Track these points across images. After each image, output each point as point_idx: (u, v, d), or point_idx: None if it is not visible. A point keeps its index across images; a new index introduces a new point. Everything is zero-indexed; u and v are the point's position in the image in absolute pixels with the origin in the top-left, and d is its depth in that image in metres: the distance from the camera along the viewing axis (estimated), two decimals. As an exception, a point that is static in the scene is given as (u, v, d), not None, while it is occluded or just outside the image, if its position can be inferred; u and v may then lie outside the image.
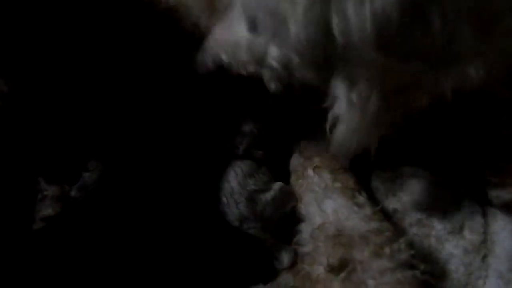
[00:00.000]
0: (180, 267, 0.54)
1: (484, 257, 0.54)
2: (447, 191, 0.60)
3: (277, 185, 0.61)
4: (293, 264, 0.56)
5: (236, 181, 0.60)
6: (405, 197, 0.60)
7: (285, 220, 0.60)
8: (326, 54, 0.43)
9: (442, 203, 0.59)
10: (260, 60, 0.51)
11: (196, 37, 0.63)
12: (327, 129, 0.50)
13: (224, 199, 0.60)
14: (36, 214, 0.62)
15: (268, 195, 0.59)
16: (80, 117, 0.70)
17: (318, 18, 0.41)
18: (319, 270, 0.51)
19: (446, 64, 0.43)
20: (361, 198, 0.57)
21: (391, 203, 0.59)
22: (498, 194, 0.56)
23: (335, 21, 0.40)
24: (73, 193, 0.65)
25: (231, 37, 0.54)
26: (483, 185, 0.58)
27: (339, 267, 0.50)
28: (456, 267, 0.53)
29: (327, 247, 0.52)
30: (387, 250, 0.50)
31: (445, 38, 0.39)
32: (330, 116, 0.48)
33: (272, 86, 0.52)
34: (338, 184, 0.58)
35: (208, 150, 0.65)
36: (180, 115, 0.67)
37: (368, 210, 0.55)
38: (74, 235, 0.60)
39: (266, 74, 0.52)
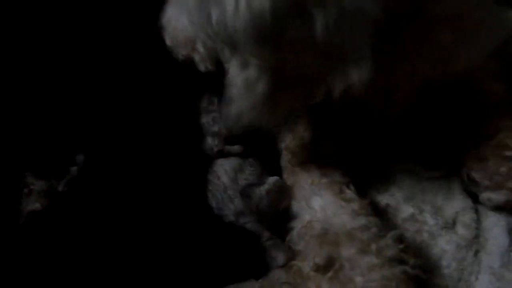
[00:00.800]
0: (171, 263, 0.53)
1: (476, 253, 0.53)
2: (439, 186, 0.60)
3: (272, 179, 0.60)
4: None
5: (227, 177, 0.60)
6: (397, 193, 0.60)
7: (280, 217, 0.59)
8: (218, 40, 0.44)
9: (434, 198, 0.59)
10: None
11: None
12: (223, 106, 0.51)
13: (218, 196, 0.59)
14: (23, 209, 0.60)
15: (263, 189, 0.58)
16: (68, 110, 0.69)
17: (202, 5, 0.42)
18: (310, 267, 0.50)
19: (329, 59, 0.43)
20: (349, 193, 0.56)
21: (384, 198, 0.59)
22: (490, 197, 0.55)
23: (214, 10, 0.41)
24: (60, 187, 0.64)
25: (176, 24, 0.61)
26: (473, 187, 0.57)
27: (326, 266, 0.49)
28: (448, 262, 0.53)
29: (314, 246, 0.51)
30: (373, 246, 0.49)
31: (324, 34, 0.39)
32: (226, 94, 0.49)
33: (202, 67, 0.56)
34: (325, 179, 0.57)
35: (190, 147, 0.65)
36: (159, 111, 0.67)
37: (355, 205, 0.54)
38: (61, 230, 0.58)
39: (196, 57, 0.56)
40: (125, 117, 0.67)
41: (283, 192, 0.59)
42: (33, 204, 0.61)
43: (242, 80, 0.46)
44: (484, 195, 0.55)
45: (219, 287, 0.52)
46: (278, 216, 0.59)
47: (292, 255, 0.54)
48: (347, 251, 0.49)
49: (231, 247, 0.55)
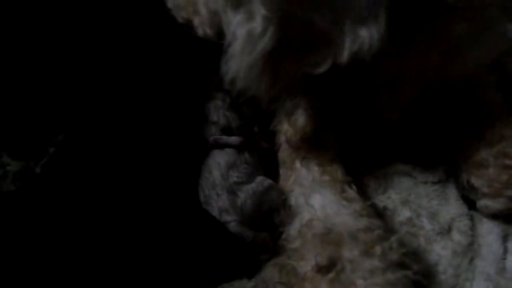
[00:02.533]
0: (160, 257, 0.50)
1: (472, 260, 0.53)
2: (435, 191, 0.60)
3: (259, 179, 0.58)
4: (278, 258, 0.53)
5: (218, 172, 0.58)
6: (394, 195, 0.59)
7: (268, 216, 0.57)
8: None
9: (430, 203, 0.58)
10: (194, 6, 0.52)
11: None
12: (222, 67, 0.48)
13: (206, 191, 0.57)
14: (-4, 190, 0.56)
15: (249, 188, 0.56)
16: (49, 86, 0.64)
17: None
18: (307, 268, 0.49)
19: (339, 17, 0.41)
20: (351, 192, 0.55)
21: (381, 201, 0.58)
22: (487, 204, 0.55)
23: None
24: (37, 169, 0.60)
25: None
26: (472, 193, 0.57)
27: (328, 267, 0.47)
28: (444, 268, 0.52)
29: (315, 245, 0.49)
30: (378, 249, 0.48)
31: None
32: (226, 53, 0.46)
33: (200, 31, 0.54)
34: (326, 177, 0.56)
35: (183, 138, 0.61)
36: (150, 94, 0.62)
37: (357, 205, 0.53)
38: (36, 214, 0.54)
39: (196, 20, 0.55)
40: (114, 95, 0.61)
41: (269, 193, 0.57)
42: (8, 186, 0.56)
43: (246, 32, 0.43)
44: (482, 202, 0.55)
45: (212, 286, 0.50)
46: (266, 215, 0.56)
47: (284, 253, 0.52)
48: (349, 253, 0.47)
49: (223, 245, 0.52)
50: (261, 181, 0.58)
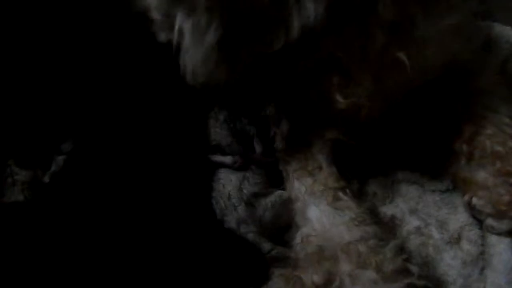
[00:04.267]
0: (167, 267, 0.50)
1: (482, 270, 0.52)
2: (443, 200, 0.59)
3: (279, 192, 0.58)
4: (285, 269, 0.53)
5: (232, 184, 0.57)
6: (402, 204, 0.58)
7: (283, 230, 0.57)
8: None
9: (438, 212, 0.58)
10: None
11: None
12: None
13: (221, 203, 0.56)
14: (5, 200, 0.56)
15: (268, 201, 0.56)
16: (57, 93, 0.64)
17: None
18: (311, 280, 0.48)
19: None
20: (345, 199, 0.54)
21: (389, 209, 0.57)
22: (493, 225, 0.54)
23: None
24: (46, 178, 0.60)
25: None
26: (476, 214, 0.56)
27: (325, 285, 0.47)
28: (454, 278, 0.52)
29: (312, 262, 0.49)
30: (373, 260, 0.47)
31: None
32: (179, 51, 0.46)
33: (162, 37, 0.50)
34: (318, 187, 0.55)
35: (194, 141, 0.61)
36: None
37: (353, 213, 0.52)
38: (45, 224, 0.54)
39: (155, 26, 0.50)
40: (123, 102, 0.61)
41: (286, 206, 0.57)
42: (17, 196, 0.57)
43: (191, 26, 0.42)
44: (488, 222, 0.54)
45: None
46: (281, 229, 0.57)
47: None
48: (347, 266, 0.47)
49: (232, 254, 0.52)
50: (279, 194, 0.57)
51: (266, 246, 0.53)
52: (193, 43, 0.43)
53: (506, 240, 0.54)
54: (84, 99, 0.64)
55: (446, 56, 0.53)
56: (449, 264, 0.53)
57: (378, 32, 0.46)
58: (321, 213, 0.53)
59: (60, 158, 0.60)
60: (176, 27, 0.44)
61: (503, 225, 0.53)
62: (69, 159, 0.60)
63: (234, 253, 0.52)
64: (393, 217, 0.57)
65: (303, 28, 0.42)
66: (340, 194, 0.55)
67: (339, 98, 0.51)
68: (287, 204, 0.56)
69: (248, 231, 0.53)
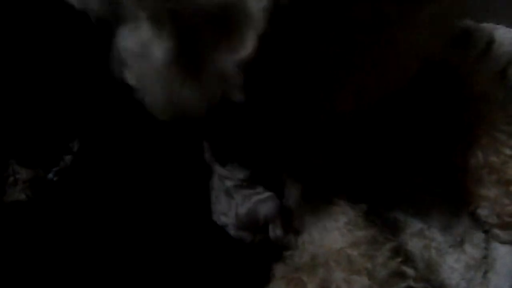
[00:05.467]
0: (168, 267, 0.50)
1: (485, 273, 0.52)
2: (446, 202, 0.59)
3: (260, 188, 0.56)
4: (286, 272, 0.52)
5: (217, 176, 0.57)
6: (405, 206, 0.58)
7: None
8: None
9: (441, 215, 0.57)
10: None
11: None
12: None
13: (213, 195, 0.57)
14: (6, 199, 0.56)
15: (246, 193, 0.55)
16: (63, 89, 0.64)
17: None
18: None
19: None
20: (339, 203, 0.53)
21: (392, 212, 0.57)
22: (498, 235, 0.54)
23: None
24: (50, 175, 0.60)
25: None
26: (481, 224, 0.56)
27: None
28: (457, 282, 0.51)
29: (308, 270, 0.48)
30: (367, 265, 0.47)
31: None
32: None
33: None
34: (312, 193, 0.54)
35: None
36: None
37: (346, 218, 0.51)
38: (46, 223, 0.54)
39: None
40: (130, 101, 0.61)
41: (266, 204, 0.55)
42: (18, 195, 0.57)
43: (136, 44, 0.35)
44: (493, 232, 0.54)
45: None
46: (262, 227, 0.55)
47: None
48: (339, 274, 0.46)
49: (233, 255, 0.52)
50: (260, 190, 0.56)
51: (245, 236, 0.53)
52: (143, 65, 0.36)
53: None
54: (90, 98, 0.64)
55: (422, 52, 0.50)
56: (452, 267, 0.53)
57: (356, 33, 0.42)
58: (315, 219, 0.52)
59: (68, 157, 0.60)
60: (121, 45, 0.36)
61: (508, 236, 0.53)
62: (76, 158, 0.60)
63: (235, 253, 0.52)
64: (395, 220, 0.56)
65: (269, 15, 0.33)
66: (334, 198, 0.54)
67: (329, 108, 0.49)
68: (266, 201, 0.55)
69: (228, 223, 0.53)
